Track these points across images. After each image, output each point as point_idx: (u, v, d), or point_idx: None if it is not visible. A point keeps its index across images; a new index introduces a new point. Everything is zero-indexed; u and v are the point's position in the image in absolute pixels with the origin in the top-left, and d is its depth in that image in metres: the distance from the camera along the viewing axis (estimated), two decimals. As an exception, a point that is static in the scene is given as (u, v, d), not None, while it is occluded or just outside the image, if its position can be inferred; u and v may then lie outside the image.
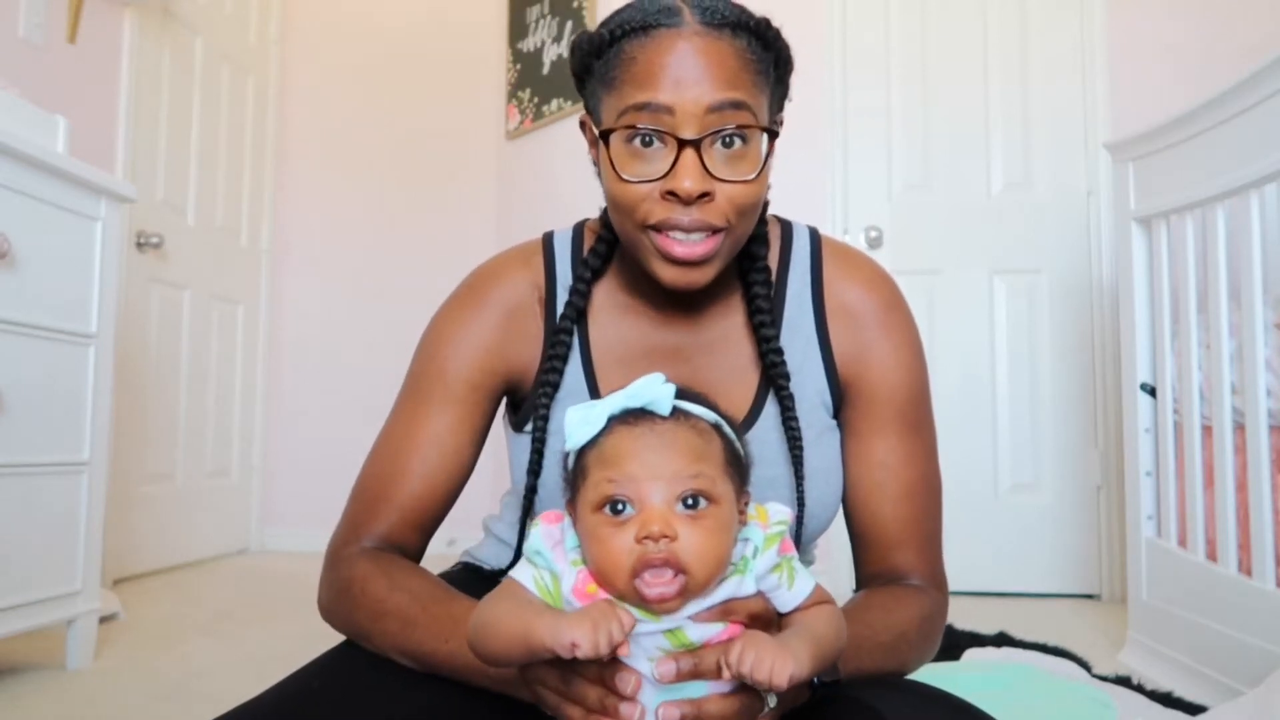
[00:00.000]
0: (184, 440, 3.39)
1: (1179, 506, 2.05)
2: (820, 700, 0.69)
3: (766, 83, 0.82)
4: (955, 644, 2.12)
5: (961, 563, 2.74)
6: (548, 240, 0.96)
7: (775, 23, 0.83)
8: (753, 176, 0.79)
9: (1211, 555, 1.90)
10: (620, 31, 0.80)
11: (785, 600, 0.65)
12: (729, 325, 0.91)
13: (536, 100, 3.73)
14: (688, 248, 0.79)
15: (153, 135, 3.18)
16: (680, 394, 0.66)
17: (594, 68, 0.83)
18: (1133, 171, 2.18)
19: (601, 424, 0.64)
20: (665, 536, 0.59)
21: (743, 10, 0.81)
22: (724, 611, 0.63)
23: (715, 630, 0.62)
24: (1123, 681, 1.88)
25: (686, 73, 0.77)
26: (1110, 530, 2.97)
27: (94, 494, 1.99)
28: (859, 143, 3.19)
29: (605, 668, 0.61)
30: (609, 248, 0.91)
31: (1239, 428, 1.84)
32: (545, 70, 3.68)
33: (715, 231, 0.80)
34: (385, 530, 0.87)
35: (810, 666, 0.59)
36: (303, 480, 3.91)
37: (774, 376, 0.87)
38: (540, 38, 3.73)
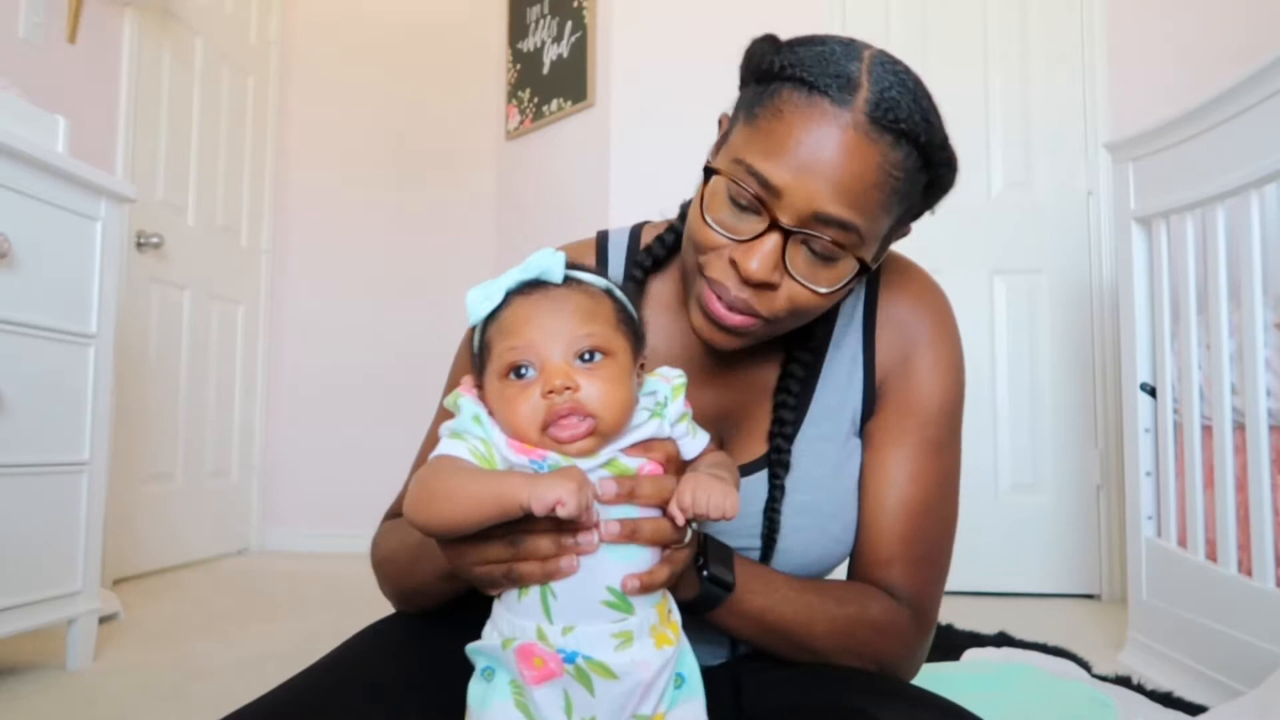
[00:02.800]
0: (184, 440, 3.39)
1: (1179, 506, 2.05)
2: (709, 604, 0.75)
3: (901, 202, 0.75)
4: (955, 644, 2.12)
5: (961, 563, 2.74)
6: (602, 241, 0.93)
7: (923, 130, 0.73)
8: (826, 291, 0.75)
9: (1211, 555, 1.90)
10: (789, 73, 0.73)
11: (690, 449, 0.72)
12: (766, 368, 0.88)
13: (536, 100, 3.73)
14: (725, 313, 0.76)
15: (153, 135, 3.18)
16: (570, 265, 0.70)
17: (750, 85, 0.78)
18: (1133, 171, 2.18)
19: (500, 298, 0.68)
20: (568, 388, 0.64)
21: (923, 119, 0.72)
22: (645, 448, 0.68)
23: (642, 462, 0.68)
24: (1123, 681, 1.88)
25: (819, 165, 0.70)
26: (1110, 530, 2.97)
27: (94, 494, 1.99)
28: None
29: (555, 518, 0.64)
30: (677, 239, 0.87)
31: (1239, 428, 1.84)
32: (545, 70, 3.68)
33: (756, 316, 0.76)
34: None
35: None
36: (303, 480, 3.92)
37: (774, 463, 0.84)
38: (540, 38, 3.73)
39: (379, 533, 0.91)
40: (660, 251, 0.89)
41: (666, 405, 0.71)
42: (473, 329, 0.71)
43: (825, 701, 0.73)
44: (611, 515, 0.65)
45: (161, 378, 3.25)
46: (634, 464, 0.68)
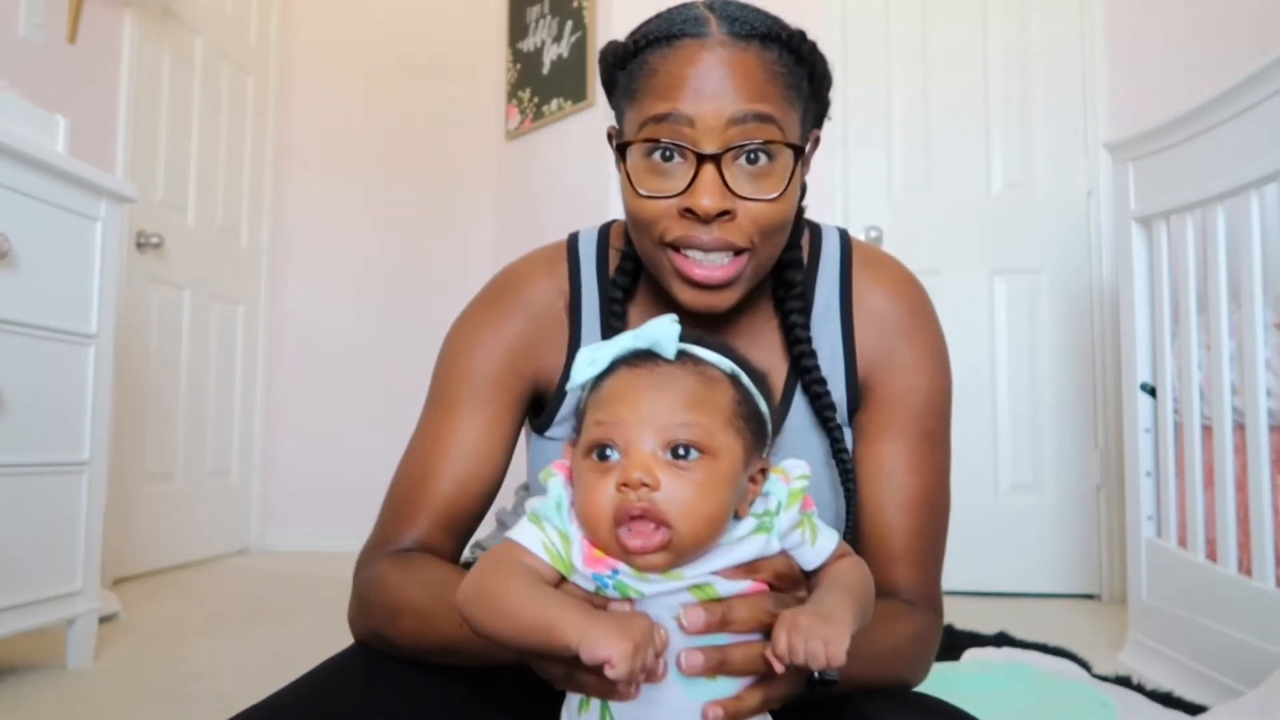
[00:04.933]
0: (184, 440, 3.39)
1: (1179, 506, 2.05)
2: (817, 702, 0.67)
3: (798, 97, 0.78)
4: (955, 644, 2.12)
5: (961, 563, 2.75)
6: (573, 243, 0.93)
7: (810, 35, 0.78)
8: (776, 195, 0.76)
9: (1211, 555, 1.90)
10: (644, 41, 0.77)
11: (809, 558, 0.63)
12: (761, 338, 0.88)
13: (536, 100, 3.73)
14: (708, 270, 0.76)
15: (153, 135, 3.18)
16: (699, 341, 0.63)
17: (618, 79, 0.81)
18: (1133, 171, 2.18)
19: (605, 364, 0.61)
20: (645, 485, 0.56)
21: (775, 22, 0.78)
22: (749, 569, 0.60)
23: (743, 586, 0.59)
24: (1123, 681, 1.88)
25: (709, 84, 0.74)
26: (1110, 530, 2.97)
27: (94, 494, 1.99)
28: (859, 142, 3.19)
29: None
30: (635, 264, 0.88)
31: (1239, 428, 1.84)
32: (545, 70, 3.68)
33: (738, 253, 0.76)
34: (416, 535, 0.83)
35: (854, 625, 0.57)
36: (303, 480, 3.91)
37: (821, 409, 0.84)
38: (540, 38, 3.73)
39: (400, 568, 0.80)
40: (625, 281, 0.88)
41: (778, 514, 0.61)
42: (581, 392, 0.64)
43: (819, 703, 0.72)
44: (700, 641, 0.57)
45: (161, 378, 3.25)
46: (729, 590, 0.58)
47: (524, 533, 0.60)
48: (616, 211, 0.84)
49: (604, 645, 0.50)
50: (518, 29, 3.87)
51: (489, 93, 4.03)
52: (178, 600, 2.79)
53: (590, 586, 0.59)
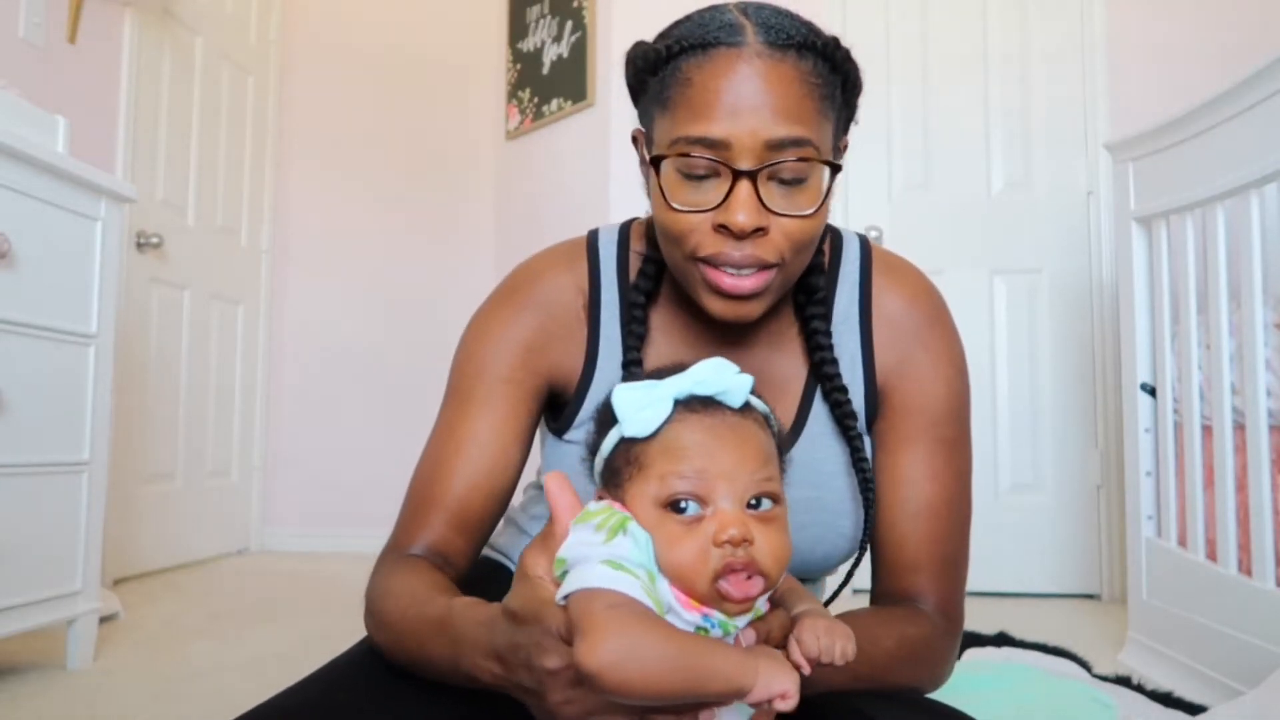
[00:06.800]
0: (184, 440, 3.39)
1: (1179, 506, 2.05)
2: (810, 703, 0.68)
3: (832, 108, 0.78)
4: (955, 644, 2.12)
5: (961, 563, 2.75)
6: (592, 241, 0.92)
7: (845, 42, 0.78)
8: (811, 211, 0.75)
9: (1211, 555, 1.90)
10: (678, 48, 0.76)
11: None
12: (783, 345, 0.88)
13: (536, 100, 3.73)
14: (736, 281, 0.76)
15: (153, 135, 3.18)
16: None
17: (649, 84, 0.79)
18: (1133, 171, 2.18)
19: (668, 411, 0.61)
20: (746, 541, 0.58)
21: (810, 29, 0.77)
22: None
23: (765, 605, 0.64)
24: (1123, 681, 1.88)
25: (745, 100, 0.73)
26: (1110, 530, 2.97)
27: (94, 494, 1.99)
28: (859, 142, 3.17)
29: None
30: (657, 267, 0.88)
31: (1239, 428, 1.84)
32: (545, 70, 3.68)
33: (767, 267, 0.76)
34: (430, 536, 0.83)
35: None
36: (303, 480, 3.92)
37: (841, 418, 0.84)
38: (540, 38, 3.73)
39: (385, 577, 0.80)
40: (647, 285, 0.88)
41: None
42: (598, 432, 0.64)
43: (820, 701, 0.72)
44: None
45: (161, 378, 3.25)
46: (764, 607, 0.63)
47: (617, 580, 0.57)
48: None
49: (779, 680, 0.54)
50: (518, 29, 3.87)
51: (489, 93, 4.03)
52: (178, 600, 2.79)
53: (690, 629, 0.59)
